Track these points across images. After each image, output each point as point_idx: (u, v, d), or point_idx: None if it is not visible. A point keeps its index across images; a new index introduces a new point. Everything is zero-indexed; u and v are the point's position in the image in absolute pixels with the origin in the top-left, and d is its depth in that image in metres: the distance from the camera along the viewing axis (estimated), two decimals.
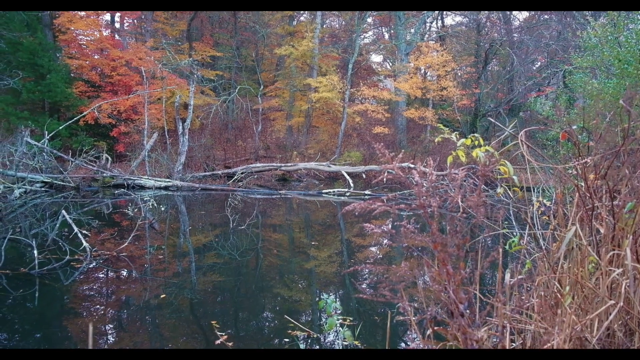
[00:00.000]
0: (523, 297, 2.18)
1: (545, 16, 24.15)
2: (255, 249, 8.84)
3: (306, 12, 27.37)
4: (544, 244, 2.46)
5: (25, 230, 8.75)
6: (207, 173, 17.50)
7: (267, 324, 5.28)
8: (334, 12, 28.40)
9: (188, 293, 6.08)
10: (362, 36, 26.58)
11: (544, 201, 3.11)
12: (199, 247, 8.91)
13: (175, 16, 24.89)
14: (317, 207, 13.47)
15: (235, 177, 16.88)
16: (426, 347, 1.85)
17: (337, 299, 5.09)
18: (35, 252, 6.65)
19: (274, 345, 4.56)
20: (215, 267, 7.42)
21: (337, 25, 31.22)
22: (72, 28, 21.09)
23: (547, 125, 10.38)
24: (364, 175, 17.05)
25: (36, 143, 14.69)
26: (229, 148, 21.41)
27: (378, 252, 8.60)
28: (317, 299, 5.94)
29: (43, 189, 13.96)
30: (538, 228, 2.73)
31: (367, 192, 14.08)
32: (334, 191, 14.59)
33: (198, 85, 19.89)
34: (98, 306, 5.72)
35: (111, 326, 5.05)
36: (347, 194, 14.28)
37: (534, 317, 1.97)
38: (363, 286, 6.38)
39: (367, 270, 6.87)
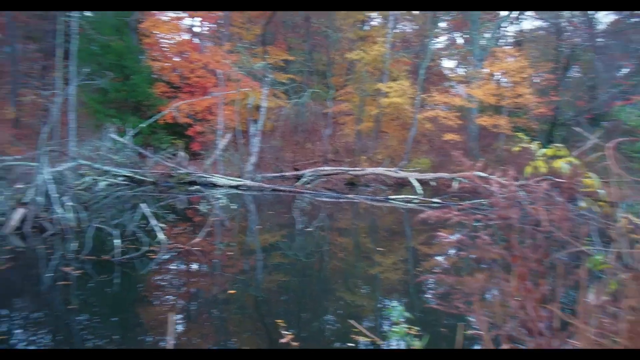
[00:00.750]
0: (608, 321, 2.04)
1: (634, 19, 22.54)
2: (321, 251, 8.90)
3: (379, 16, 27.29)
4: (632, 264, 2.29)
5: (108, 220, 9.31)
6: (276, 174, 17.85)
7: (330, 326, 5.29)
8: (407, 16, 28.10)
9: (254, 290, 6.22)
10: (434, 41, 26.08)
11: (633, 218, 2.89)
12: (266, 246, 9.10)
13: (251, 21, 25.61)
14: (384, 213, 13.35)
15: (304, 179, 17.09)
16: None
17: (404, 307, 4.98)
18: (117, 241, 7.09)
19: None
20: (280, 266, 7.55)
21: (410, 30, 30.83)
22: (156, 32, 22.29)
23: (635, 135, 9.68)
24: (433, 183, 16.71)
25: (121, 139, 15.67)
26: (299, 150, 21.72)
27: (445, 262, 8.38)
28: (380, 305, 5.89)
29: (124, 182, 14.83)
30: (626, 246, 2.54)
31: (436, 200, 13.74)
32: (401, 198, 14.40)
33: (271, 88, 20.35)
34: (169, 296, 5.99)
35: (180, 317, 5.24)
36: (415, 201, 14.04)
37: (620, 343, 1.84)
38: (428, 295, 6.24)
39: (433, 279, 6.73)
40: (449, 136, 19.99)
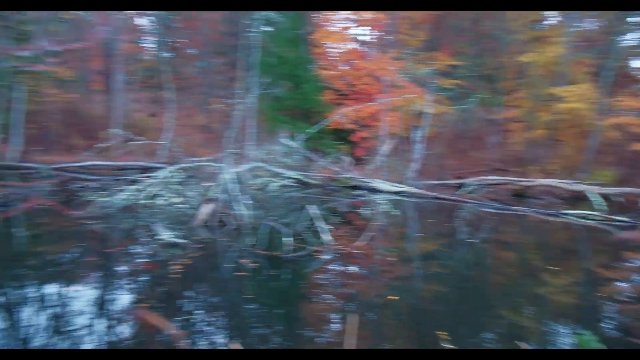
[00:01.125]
0: None
1: None
2: (482, 264, 8.54)
3: (556, 15, 25.01)
4: None
5: (278, 218, 10.13)
6: (438, 182, 17.52)
7: (491, 345, 5.07)
8: (590, 13, 25.22)
9: (413, 298, 6.23)
10: (622, 38, 23.00)
11: None
12: (425, 254, 9.03)
13: (417, 27, 25.51)
14: (556, 229, 12.23)
15: (466, 188, 16.51)
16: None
17: (597, 338, 4.46)
18: (288, 239, 7.71)
19: None
20: (438, 276, 7.44)
21: (593, 28, 27.64)
22: (325, 42, 23.57)
23: None
24: (619, 199, 14.77)
25: (292, 143, 16.94)
26: (462, 158, 21.02)
27: (631, 289, 7.37)
28: (548, 329, 5.46)
29: (294, 184, 15.97)
30: None
31: (623, 218, 12.08)
32: (577, 213, 13.02)
33: (435, 94, 20.08)
34: (330, 295, 6.32)
35: (338, 316, 5.48)
36: (595, 217, 12.58)
37: None
38: (608, 325, 5.59)
39: (610, 307, 6.03)
40: (639, 146, 17.51)
